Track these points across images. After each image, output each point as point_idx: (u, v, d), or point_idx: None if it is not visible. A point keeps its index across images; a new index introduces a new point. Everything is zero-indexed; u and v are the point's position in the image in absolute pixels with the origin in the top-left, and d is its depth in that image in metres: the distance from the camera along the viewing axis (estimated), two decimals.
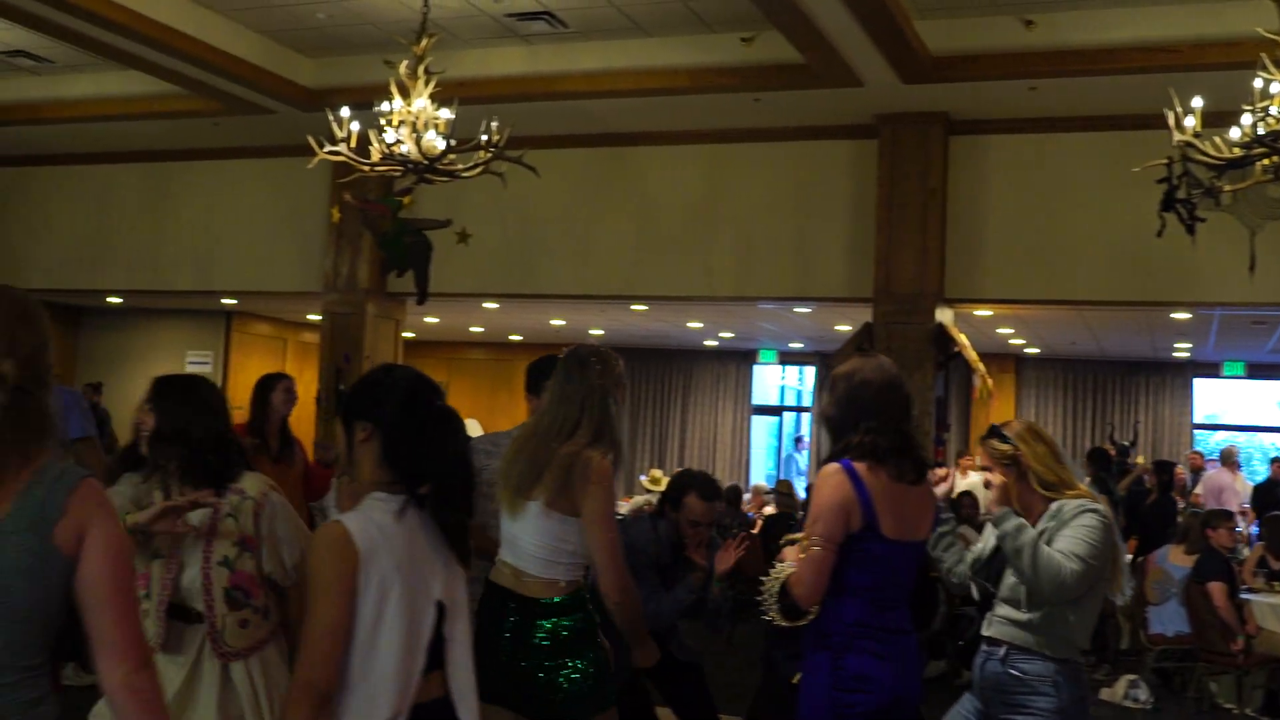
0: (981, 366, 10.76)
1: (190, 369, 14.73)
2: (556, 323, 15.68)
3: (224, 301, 14.16)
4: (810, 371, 18.93)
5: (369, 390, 2.73)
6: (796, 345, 17.55)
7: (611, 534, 3.44)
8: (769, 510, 12.72)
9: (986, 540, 3.98)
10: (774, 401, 20.07)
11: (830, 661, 3.36)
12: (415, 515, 2.66)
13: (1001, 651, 3.78)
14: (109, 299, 14.29)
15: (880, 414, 3.46)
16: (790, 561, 3.40)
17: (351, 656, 2.51)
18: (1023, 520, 3.72)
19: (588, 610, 3.60)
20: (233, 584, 3.32)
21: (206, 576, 3.27)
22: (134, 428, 3.49)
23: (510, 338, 18.38)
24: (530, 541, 3.52)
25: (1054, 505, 3.76)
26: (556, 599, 3.51)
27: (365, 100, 7.56)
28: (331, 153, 7.13)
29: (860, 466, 3.41)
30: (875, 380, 3.52)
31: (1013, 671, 3.72)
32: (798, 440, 19.27)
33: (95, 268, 13.01)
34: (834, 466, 3.43)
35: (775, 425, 20.23)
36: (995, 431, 3.89)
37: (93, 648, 2.13)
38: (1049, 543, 3.65)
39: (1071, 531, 3.65)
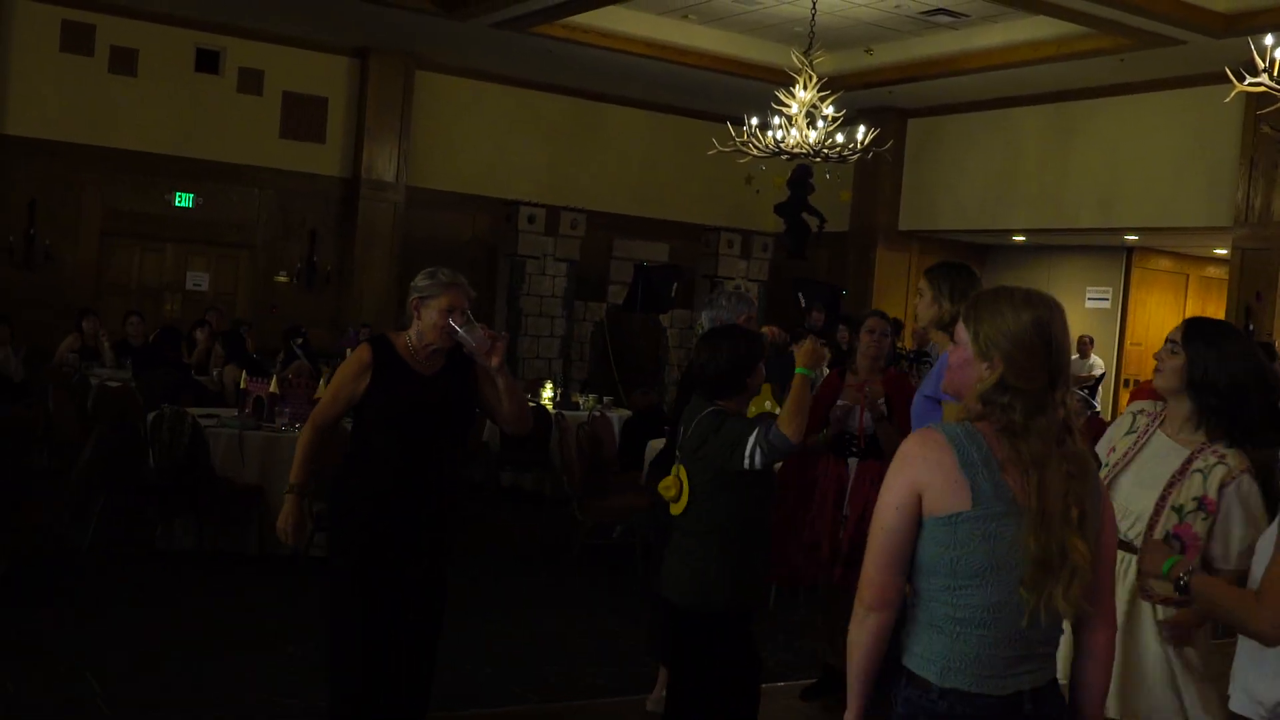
0: None
1: (1089, 305, 14.87)
2: None
3: (1125, 238, 14.07)
4: None
5: None
6: None
7: None
8: None
9: None
10: None
11: None
12: None
13: None
14: (1014, 238, 14.87)
15: None
16: None
17: None
18: None
19: None
20: (1176, 531, 3.24)
21: (1157, 512, 3.26)
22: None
23: None
24: None
25: None
26: None
27: None
28: (1251, 84, 6.78)
29: None
30: None
31: None
32: None
33: (1001, 208, 13.70)
34: None
35: None
36: None
37: None
38: None
39: None
